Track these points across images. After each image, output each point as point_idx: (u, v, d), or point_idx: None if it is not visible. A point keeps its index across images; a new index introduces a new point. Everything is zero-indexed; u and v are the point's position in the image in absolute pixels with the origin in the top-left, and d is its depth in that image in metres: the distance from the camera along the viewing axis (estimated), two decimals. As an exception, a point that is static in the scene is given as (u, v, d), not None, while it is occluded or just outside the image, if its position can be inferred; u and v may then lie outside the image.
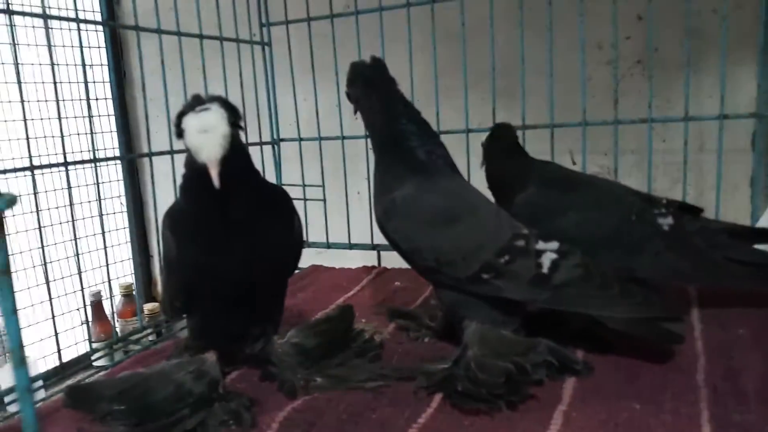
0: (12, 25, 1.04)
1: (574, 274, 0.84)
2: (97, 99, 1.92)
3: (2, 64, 1.69)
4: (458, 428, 0.72)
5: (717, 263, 0.94)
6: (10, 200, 0.33)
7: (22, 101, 0.97)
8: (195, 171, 0.73)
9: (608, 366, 0.85)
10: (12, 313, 0.36)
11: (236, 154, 0.74)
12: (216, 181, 0.69)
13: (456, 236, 0.87)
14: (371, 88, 0.96)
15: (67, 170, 1.01)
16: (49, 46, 1.06)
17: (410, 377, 0.84)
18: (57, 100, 1.00)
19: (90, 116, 1.08)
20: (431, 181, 0.91)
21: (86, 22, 1.15)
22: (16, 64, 1.01)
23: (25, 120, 0.98)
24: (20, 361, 0.37)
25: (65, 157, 1.00)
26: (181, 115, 0.73)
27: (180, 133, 0.73)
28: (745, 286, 0.97)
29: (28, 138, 0.97)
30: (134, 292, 2.03)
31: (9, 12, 0.98)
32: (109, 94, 1.67)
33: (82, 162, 1.08)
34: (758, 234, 1.05)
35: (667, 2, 1.25)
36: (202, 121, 0.71)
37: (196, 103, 0.73)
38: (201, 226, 0.79)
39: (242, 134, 0.79)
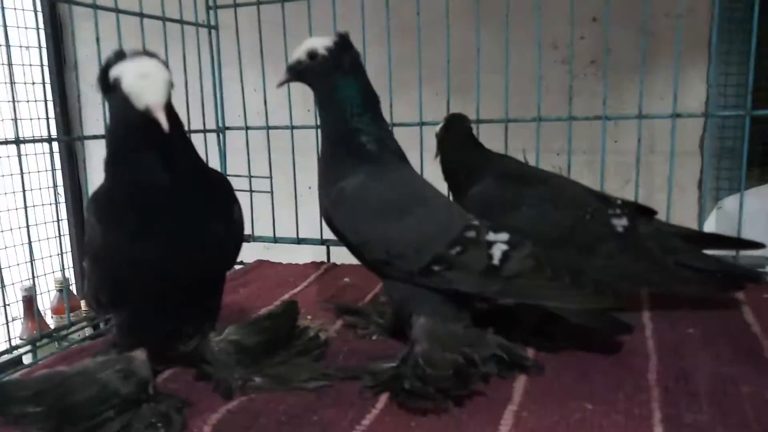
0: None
1: (524, 266, 0.82)
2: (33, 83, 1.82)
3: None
4: (405, 429, 0.69)
5: (669, 268, 0.93)
6: None
7: None
8: (130, 127, 0.67)
9: (559, 365, 0.82)
10: None
11: (172, 116, 0.68)
12: (164, 123, 0.63)
13: (407, 228, 0.83)
14: (334, 69, 0.88)
15: (18, 148, 0.95)
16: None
17: (355, 377, 0.79)
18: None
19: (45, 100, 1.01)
20: (381, 171, 0.87)
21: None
22: None
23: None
24: None
25: (17, 135, 0.95)
26: (108, 66, 0.68)
27: (107, 86, 0.67)
28: (695, 292, 0.97)
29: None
30: (70, 287, 1.93)
31: None
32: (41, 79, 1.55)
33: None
34: (710, 239, 1.05)
35: (622, 4, 1.25)
36: (141, 66, 0.66)
37: (121, 55, 0.68)
38: (131, 205, 0.72)
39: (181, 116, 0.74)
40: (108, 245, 0.74)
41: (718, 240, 1.05)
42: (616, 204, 0.97)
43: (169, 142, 0.69)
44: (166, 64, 0.69)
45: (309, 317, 1.03)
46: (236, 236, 0.85)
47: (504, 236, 0.84)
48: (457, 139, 1.08)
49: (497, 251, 0.82)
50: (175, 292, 0.77)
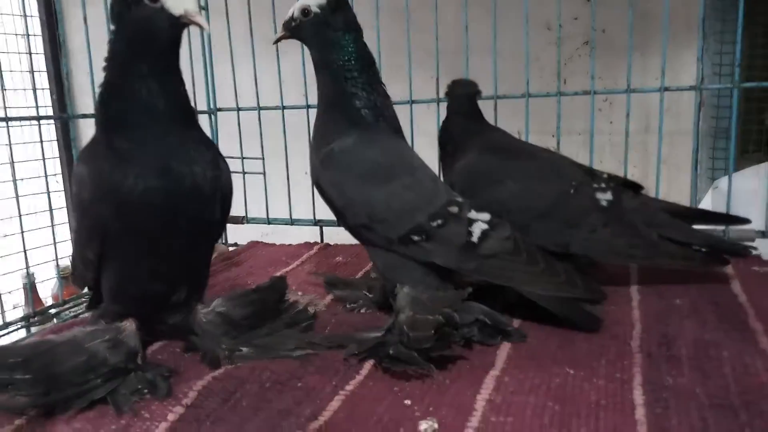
0: None
1: (502, 247, 0.83)
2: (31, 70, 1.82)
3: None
4: (388, 394, 0.69)
5: (652, 242, 0.93)
6: None
7: None
8: (147, 41, 0.72)
9: (544, 333, 0.83)
10: None
11: None
12: (205, 25, 0.70)
13: (391, 194, 0.84)
14: (327, 26, 0.88)
15: (8, 126, 0.97)
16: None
17: (341, 345, 0.80)
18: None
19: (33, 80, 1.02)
20: (372, 137, 0.87)
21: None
22: None
23: None
24: None
25: (6, 114, 0.96)
26: None
27: (128, 4, 0.71)
28: (679, 266, 0.96)
29: None
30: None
31: None
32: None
33: (26, 119, 1.02)
34: (698, 215, 1.05)
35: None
36: None
37: None
38: (123, 127, 0.74)
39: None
40: (95, 180, 0.73)
41: (705, 215, 1.04)
42: (602, 178, 0.97)
43: (170, 68, 0.74)
44: None
45: (300, 293, 1.04)
46: (224, 190, 0.81)
47: (485, 216, 0.85)
48: (455, 105, 1.08)
49: (477, 229, 0.83)
50: (164, 238, 0.76)
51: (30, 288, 1.83)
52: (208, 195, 0.78)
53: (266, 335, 0.84)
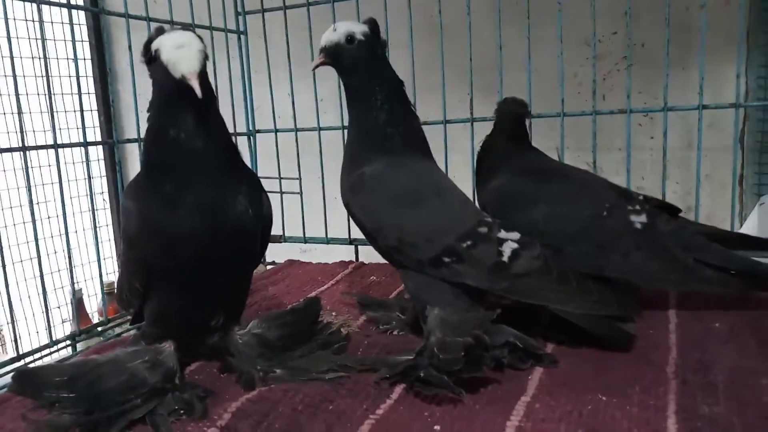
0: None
1: (533, 265, 0.83)
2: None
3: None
4: (417, 420, 0.70)
5: (687, 266, 0.91)
6: None
7: (17, 93, 0.98)
8: (170, 91, 0.73)
9: (578, 359, 0.82)
10: None
11: (207, 86, 0.74)
12: (198, 90, 0.69)
13: (421, 217, 0.85)
14: (369, 54, 0.90)
15: (57, 152, 1.01)
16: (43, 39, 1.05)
17: (372, 368, 0.81)
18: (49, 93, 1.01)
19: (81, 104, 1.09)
20: (402, 162, 0.89)
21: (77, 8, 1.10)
22: (12, 57, 0.99)
23: (20, 111, 0.99)
24: None
25: (55, 140, 1.00)
26: (150, 41, 0.74)
27: (150, 58, 0.73)
28: (715, 290, 0.93)
29: (21, 116, 0.99)
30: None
31: None
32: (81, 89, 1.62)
33: (74, 145, 1.07)
34: (738, 238, 1.01)
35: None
36: (178, 37, 0.72)
37: (161, 31, 0.75)
38: (167, 170, 0.76)
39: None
40: (142, 219, 0.77)
41: (744, 240, 1.01)
42: (637, 200, 0.96)
43: (206, 111, 0.75)
44: (201, 38, 0.74)
45: (333, 313, 1.06)
46: (265, 224, 0.85)
47: (515, 235, 0.85)
48: (500, 124, 1.07)
49: (507, 249, 0.83)
50: (205, 272, 0.79)
51: (76, 305, 1.90)
52: (250, 232, 0.81)
53: (300, 357, 0.86)
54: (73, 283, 1.14)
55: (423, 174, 0.90)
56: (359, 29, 0.89)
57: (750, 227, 1.35)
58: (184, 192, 0.75)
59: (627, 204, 0.95)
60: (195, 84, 0.69)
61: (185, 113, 0.74)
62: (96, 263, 1.14)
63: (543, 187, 0.98)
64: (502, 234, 0.85)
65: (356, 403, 0.74)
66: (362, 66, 0.90)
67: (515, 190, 0.98)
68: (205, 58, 0.72)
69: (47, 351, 1.01)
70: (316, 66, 0.93)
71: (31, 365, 0.93)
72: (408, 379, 0.77)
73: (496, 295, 0.85)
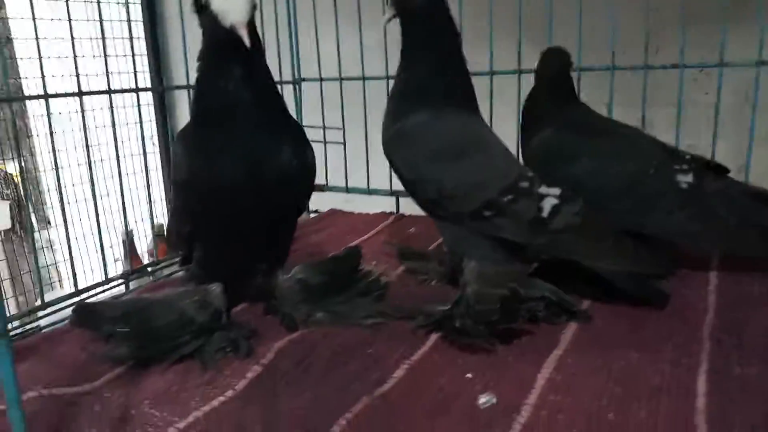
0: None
1: (572, 222, 0.83)
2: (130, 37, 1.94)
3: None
4: (450, 366, 0.72)
5: (730, 227, 0.90)
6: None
7: (72, 37, 1.01)
8: (219, 41, 0.74)
9: (612, 315, 0.83)
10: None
11: (255, 36, 0.75)
12: (246, 40, 0.70)
13: (461, 171, 0.86)
14: (433, 9, 0.89)
15: (110, 97, 1.04)
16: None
17: (410, 316, 0.84)
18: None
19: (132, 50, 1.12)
20: (445, 114, 0.89)
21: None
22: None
23: (74, 55, 1.01)
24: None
25: (108, 85, 1.04)
26: None
27: (200, 7, 0.74)
28: (759, 253, 0.92)
29: (75, 60, 1.01)
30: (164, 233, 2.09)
31: None
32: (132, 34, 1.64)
33: (126, 91, 1.10)
34: None
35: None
36: None
37: None
38: (216, 118, 0.78)
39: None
40: (189, 167, 0.79)
41: None
42: (684, 159, 0.94)
43: (254, 63, 0.77)
44: None
45: (374, 263, 1.08)
46: (309, 175, 0.87)
47: (556, 191, 0.84)
48: (547, 75, 1.05)
49: (547, 204, 0.83)
50: (251, 221, 0.82)
51: (129, 245, 1.99)
52: (294, 182, 0.83)
53: (340, 303, 0.89)
54: (125, 224, 1.19)
55: (465, 127, 0.90)
56: None
57: None
58: (230, 142, 0.77)
59: (674, 162, 0.94)
60: (244, 33, 0.70)
61: (233, 64, 0.75)
62: (147, 205, 1.19)
63: (587, 142, 0.97)
64: (543, 189, 0.85)
65: (392, 348, 0.77)
66: (426, 17, 0.89)
67: (558, 145, 0.97)
68: (254, 8, 0.73)
69: (101, 288, 1.06)
70: (388, 20, 0.92)
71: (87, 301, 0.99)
72: (444, 328, 0.79)
73: (534, 249, 0.86)
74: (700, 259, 1.00)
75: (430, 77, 0.89)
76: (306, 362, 0.74)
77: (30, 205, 2.49)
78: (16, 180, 2.50)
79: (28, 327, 0.96)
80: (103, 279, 1.07)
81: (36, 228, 2.48)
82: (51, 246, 2.56)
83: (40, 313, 0.98)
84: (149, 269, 1.18)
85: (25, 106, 2.22)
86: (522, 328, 0.78)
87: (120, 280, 1.08)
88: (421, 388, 0.68)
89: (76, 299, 1.01)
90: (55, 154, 1.02)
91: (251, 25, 0.73)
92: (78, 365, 0.77)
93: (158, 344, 0.78)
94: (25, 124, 2.31)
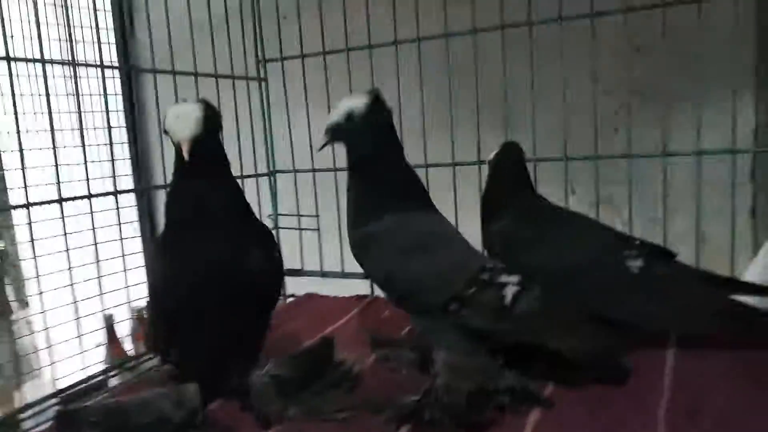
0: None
1: (533, 306, 0.88)
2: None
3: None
4: (421, 460, 0.75)
5: (682, 310, 0.95)
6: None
7: (54, 147, 1.06)
8: (178, 158, 0.83)
9: (574, 399, 0.86)
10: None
11: (209, 151, 0.85)
12: (186, 154, 0.80)
13: (428, 267, 0.92)
14: (369, 128, 0.97)
15: (90, 201, 1.10)
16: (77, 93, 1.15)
17: (380, 410, 0.87)
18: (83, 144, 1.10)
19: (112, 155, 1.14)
20: (404, 217, 0.96)
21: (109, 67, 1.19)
22: (50, 112, 1.08)
23: (56, 162, 1.07)
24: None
25: (89, 191, 1.10)
26: (165, 113, 0.85)
27: (164, 128, 0.84)
28: (711, 332, 0.97)
29: (58, 175, 1.07)
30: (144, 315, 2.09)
31: (43, 61, 1.05)
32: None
33: (105, 194, 1.15)
34: (735, 284, 1.04)
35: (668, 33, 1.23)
36: (178, 109, 0.85)
37: (182, 102, 0.87)
38: (186, 225, 0.85)
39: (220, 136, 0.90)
40: (163, 275, 0.85)
41: (741, 285, 1.03)
42: (634, 245, 1.00)
43: (215, 173, 0.86)
44: (211, 107, 0.87)
45: (345, 353, 1.11)
46: (277, 274, 0.95)
47: (515, 278, 0.90)
48: (505, 167, 1.12)
49: (509, 292, 0.88)
50: (223, 320, 0.87)
51: (108, 330, 1.98)
52: (265, 283, 0.90)
53: (314, 394, 0.92)
54: (104, 310, 1.22)
55: (423, 226, 0.97)
56: (359, 104, 0.97)
57: (757, 269, 1.35)
58: (201, 248, 0.83)
59: (624, 248, 0.99)
60: (185, 148, 0.80)
61: (197, 175, 0.83)
62: (125, 290, 1.22)
63: (541, 231, 1.03)
64: (504, 278, 0.90)
65: (365, 443, 0.79)
66: (361, 140, 0.97)
67: (516, 235, 1.04)
68: (203, 123, 0.82)
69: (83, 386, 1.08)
70: (321, 147, 1.01)
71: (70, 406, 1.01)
72: (413, 419, 0.82)
73: (500, 335, 0.90)
74: (657, 340, 1.04)
75: (383, 186, 0.97)
76: (281, 461, 0.76)
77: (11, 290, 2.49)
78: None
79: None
80: (84, 378, 1.10)
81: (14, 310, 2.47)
82: (30, 329, 2.54)
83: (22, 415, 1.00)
84: (128, 364, 1.19)
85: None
86: (489, 418, 0.81)
87: (101, 377, 1.11)
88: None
89: (56, 400, 1.03)
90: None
91: (196, 141, 0.81)
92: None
93: (135, 447, 0.80)
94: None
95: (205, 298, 0.84)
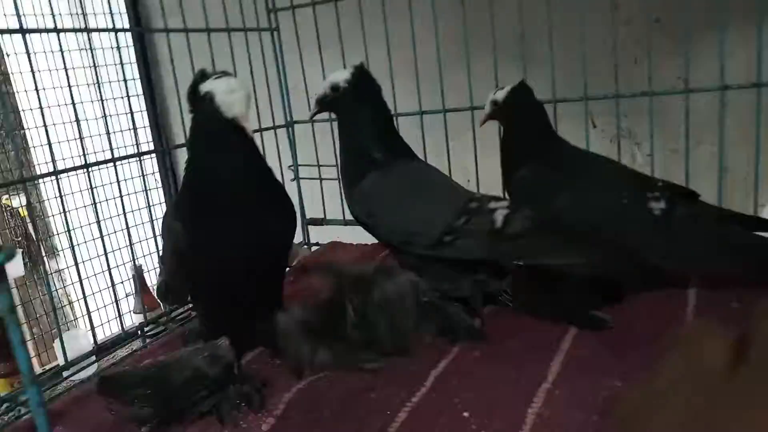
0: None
1: (526, 225, 0.93)
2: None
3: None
4: (448, 406, 0.78)
5: (707, 249, 0.95)
6: (9, 254, 0.37)
7: (75, 108, 1.08)
8: (220, 129, 0.82)
9: (596, 344, 0.88)
10: (21, 344, 0.41)
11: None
12: (250, 130, 0.82)
13: (418, 209, 0.99)
14: (354, 98, 1.05)
15: (115, 165, 1.12)
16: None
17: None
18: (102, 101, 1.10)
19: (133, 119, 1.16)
20: (390, 171, 1.04)
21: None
22: (69, 87, 1.10)
23: (78, 123, 1.10)
24: (31, 382, 0.43)
25: (113, 154, 1.11)
26: (196, 83, 0.85)
27: (196, 101, 0.84)
28: (733, 270, 0.97)
29: (82, 140, 1.11)
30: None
31: (57, 30, 1.06)
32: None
33: (128, 157, 1.18)
34: (758, 222, 1.03)
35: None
36: (228, 83, 0.83)
37: (204, 75, 0.85)
38: (214, 201, 0.86)
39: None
40: (192, 243, 0.87)
41: (763, 224, 1.02)
42: (656, 186, 1.00)
43: (249, 147, 0.85)
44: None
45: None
46: (293, 231, 0.97)
47: (504, 203, 0.96)
48: (521, 111, 1.11)
49: (499, 216, 0.93)
50: (248, 284, 0.90)
51: (139, 280, 2.04)
52: (283, 246, 0.94)
53: (338, 339, 0.95)
54: (134, 260, 1.27)
55: (409, 175, 1.05)
56: (343, 77, 1.05)
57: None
58: (230, 220, 0.85)
59: (646, 191, 0.99)
60: (248, 125, 0.80)
61: (231, 150, 0.84)
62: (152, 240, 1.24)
63: (563, 178, 1.03)
64: (492, 204, 0.96)
65: (393, 392, 0.82)
66: (348, 108, 1.06)
67: (537, 184, 1.04)
68: (249, 99, 0.83)
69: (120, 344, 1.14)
70: (313, 115, 1.12)
71: (110, 370, 1.05)
72: None
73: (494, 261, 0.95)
74: (680, 279, 1.05)
75: (369, 151, 1.04)
76: (315, 412, 0.80)
77: (42, 246, 2.56)
78: (22, 214, 2.59)
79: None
80: (120, 332, 1.15)
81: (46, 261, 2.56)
82: (62, 281, 2.63)
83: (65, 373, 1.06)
84: (161, 320, 1.24)
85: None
86: (512, 363, 0.84)
87: (137, 332, 1.16)
88: (423, 430, 0.74)
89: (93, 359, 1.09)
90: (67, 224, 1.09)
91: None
92: (105, 427, 0.84)
93: (178, 401, 0.84)
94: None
95: (228, 269, 0.88)
